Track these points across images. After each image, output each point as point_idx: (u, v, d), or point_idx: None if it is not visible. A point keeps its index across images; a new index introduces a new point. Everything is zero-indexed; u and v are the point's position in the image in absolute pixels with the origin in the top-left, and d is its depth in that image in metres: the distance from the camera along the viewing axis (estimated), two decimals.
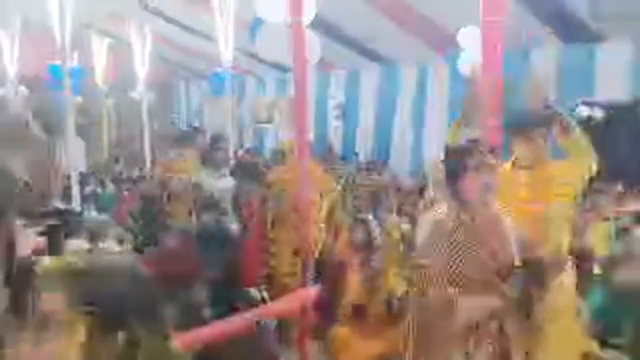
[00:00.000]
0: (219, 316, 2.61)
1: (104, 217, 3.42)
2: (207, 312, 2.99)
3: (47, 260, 1.02)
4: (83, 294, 0.96)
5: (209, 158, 4.12)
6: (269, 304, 2.81)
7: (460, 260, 1.75)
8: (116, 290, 1.00)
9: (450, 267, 1.75)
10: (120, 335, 0.97)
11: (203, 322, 2.67)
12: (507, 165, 2.31)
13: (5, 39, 8.32)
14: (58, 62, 5.52)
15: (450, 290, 1.72)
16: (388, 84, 7.93)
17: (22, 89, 9.10)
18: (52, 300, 0.96)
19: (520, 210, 2.08)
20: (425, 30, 6.25)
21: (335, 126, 8.72)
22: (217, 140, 4.35)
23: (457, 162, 1.81)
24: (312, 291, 2.81)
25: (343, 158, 7.80)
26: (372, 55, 7.66)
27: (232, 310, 2.70)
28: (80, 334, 0.94)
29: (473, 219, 1.79)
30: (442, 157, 1.91)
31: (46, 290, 0.96)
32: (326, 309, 2.83)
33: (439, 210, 1.86)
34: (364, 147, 8.22)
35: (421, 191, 3.83)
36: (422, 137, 7.46)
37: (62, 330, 0.95)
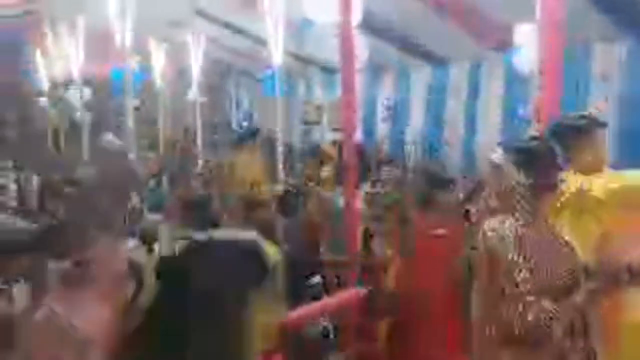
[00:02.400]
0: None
1: (157, 216, 3.53)
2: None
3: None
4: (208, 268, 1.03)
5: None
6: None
7: (549, 271, 1.67)
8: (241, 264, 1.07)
9: (544, 277, 1.66)
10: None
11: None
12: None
13: (70, 40, 8.76)
14: (120, 67, 5.80)
15: (546, 302, 1.62)
16: (439, 83, 7.77)
17: (87, 91, 9.61)
18: None
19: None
20: (478, 28, 6.07)
21: (382, 127, 8.64)
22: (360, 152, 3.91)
23: (536, 163, 1.70)
24: (360, 292, 2.81)
25: (391, 161, 7.65)
26: (423, 55, 7.53)
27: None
28: None
29: (552, 225, 1.72)
30: (513, 158, 1.78)
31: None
32: (370, 310, 2.81)
33: (509, 220, 1.74)
34: (414, 147, 8.09)
35: (471, 194, 3.70)
36: (474, 137, 7.27)
37: None
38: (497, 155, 1.79)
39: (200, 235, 1.08)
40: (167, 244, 3.33)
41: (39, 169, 6.26)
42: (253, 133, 6.09)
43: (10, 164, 6.91)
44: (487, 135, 6.92)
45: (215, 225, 3.68)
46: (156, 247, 3.14)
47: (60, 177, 4.79)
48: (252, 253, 1.07)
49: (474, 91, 7.26)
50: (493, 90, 6.93)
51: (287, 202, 3.68)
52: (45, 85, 10.65)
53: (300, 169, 7.13)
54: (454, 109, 7.58)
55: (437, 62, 7.61)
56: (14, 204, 5.56)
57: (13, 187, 5.85)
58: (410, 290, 2.62)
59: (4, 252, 1.49)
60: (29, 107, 11.37)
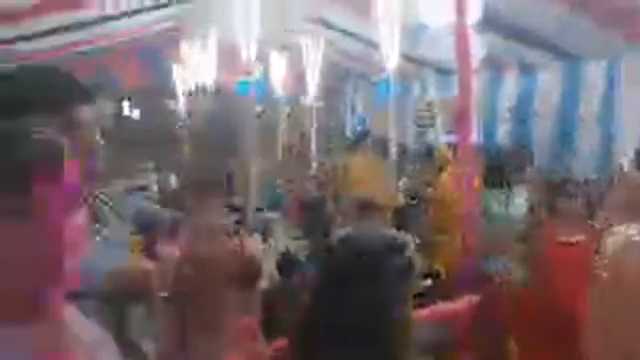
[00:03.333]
0: None
1: (274, 214, 3.74)
2: None
3: None
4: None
5: (498, 174, 3.40)
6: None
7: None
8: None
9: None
10: None
11: None
12: None
13: (201, 51, 9.60)
14: (246, 78, 6.29)
15: None
16: (571, 81, 7.20)
17: (215, 98, 10.47)
18: None
19: None
20: (615, 21, 5.53)
21: (505, 130, 8.20)
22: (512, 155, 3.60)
23: None
24: (473, 300, 2.72)
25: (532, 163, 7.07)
26: (554, 51, 7.04)
27: None
28: None
29: None
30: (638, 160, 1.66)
31: None
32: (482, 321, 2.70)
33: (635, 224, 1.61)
34: (542, 150, 7.56)
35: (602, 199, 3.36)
36: (611, 137, 6.62)
37: None
38: (627, 158, 1.67)
39: (356, 232, 1.22)
40: (281, 240, 3.54)
41: (176, 170, 6.98)
42: (365, 134, 6.20)
43: (151, 165, 7.79)
44: (625, 135, 6.27)
45: (328, 226, 3.81)
46: (272, 242, 3.34)
47: (198, 178, 5.28)
48: (402, 249, 1.17)
49: (610, 89, 6.61)
50: (632, 88, 6.26)
51: (406, 214, 3.61)
52: (180, 93, 11.79)
53: (412, 170, 7.06)
54: (587, 107, 6.97)
55: (568, 58, 7.05)
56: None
57: (155, 187, 6.61)
58: (541, 303, 2.47)
59: (155, 231, 2.21)
60: (167, 114, 12.69)
